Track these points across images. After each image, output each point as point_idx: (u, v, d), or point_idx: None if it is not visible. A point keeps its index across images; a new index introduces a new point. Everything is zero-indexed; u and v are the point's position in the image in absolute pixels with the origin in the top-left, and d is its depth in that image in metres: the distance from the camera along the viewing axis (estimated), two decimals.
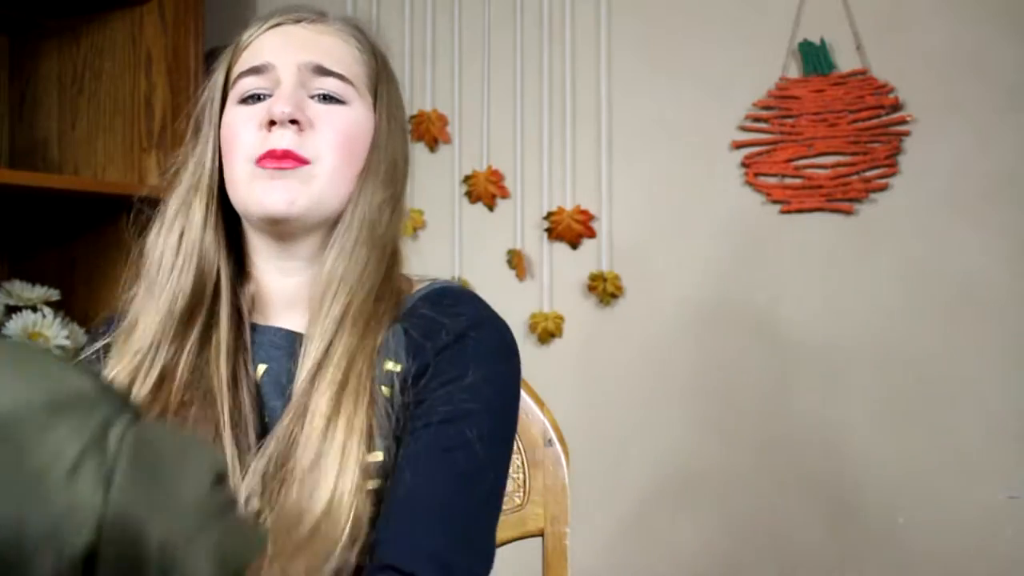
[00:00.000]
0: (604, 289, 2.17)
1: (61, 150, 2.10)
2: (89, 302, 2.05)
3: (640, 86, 2.18)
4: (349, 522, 0.84)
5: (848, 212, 2.01)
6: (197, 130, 0.98)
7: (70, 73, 2.10)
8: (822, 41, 2.03)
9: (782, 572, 2.04)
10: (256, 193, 0.91)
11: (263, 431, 0.91)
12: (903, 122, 1.98)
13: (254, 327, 0.96)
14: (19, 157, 2.15)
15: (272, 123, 0.91)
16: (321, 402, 0.87)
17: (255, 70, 0.94)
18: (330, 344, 0.89)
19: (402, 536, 0.86)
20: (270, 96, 0.93)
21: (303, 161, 0.90)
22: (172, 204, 0.96)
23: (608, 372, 2.16)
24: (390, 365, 0.91)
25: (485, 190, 2.27)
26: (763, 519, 2.05)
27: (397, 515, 0.87)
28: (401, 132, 0.99)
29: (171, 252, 0.94)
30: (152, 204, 1.00)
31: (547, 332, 2.20)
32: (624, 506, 2.13)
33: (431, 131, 2.31)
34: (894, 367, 1.98)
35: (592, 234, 2.20)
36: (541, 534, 1.17)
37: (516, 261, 2.24)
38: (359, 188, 0.94)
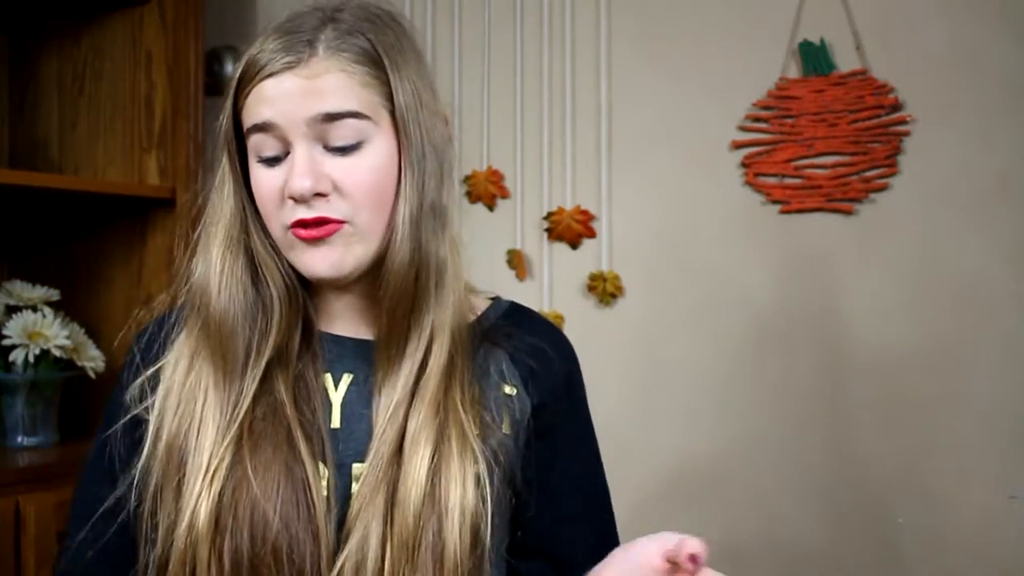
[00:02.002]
0: (604, 289, 2.17)
1: (61, 150, 2.10)
2: (89, 302, 2.05)
3: (640, 86, 2.18)
4: (469, 540, 0.87)
5: (848, 212, 2.01)
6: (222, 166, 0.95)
7: (70, 73, 2.09)
8: (822, 41, 2.03)
9: (781, 572, 2.04)
10: (302, 260, 0.90)
11: (333, 441, 0.91)
12: (903, 122, 1.98)
13: (323, 335, 0.96)
14: (19, 157, 2.15)
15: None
16: (425, 423, 0.89)
17: (260, 127, 0.89)
18: (422, 362, 0.90)
19: None
20: (284, 158, 0.89)
21: (338, 223, 0.88)
22: (216, 234, 0.94)
23: (607, 372, 2.16)
24: (507, 389, 0.95)
25: (485, 190, 2.27)
26: (762, 519, 2.05)
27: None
28: (430, 116, 0.95)
29: (226, 271, 0.92)
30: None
31: None
32: (623, 505, 2.12)
33: None
34: (894, 367, 1.98)
35: (592, 234, 2.20)
36: None
37: (516, 261, 2.24)
38: (399, 211, 0.90)
